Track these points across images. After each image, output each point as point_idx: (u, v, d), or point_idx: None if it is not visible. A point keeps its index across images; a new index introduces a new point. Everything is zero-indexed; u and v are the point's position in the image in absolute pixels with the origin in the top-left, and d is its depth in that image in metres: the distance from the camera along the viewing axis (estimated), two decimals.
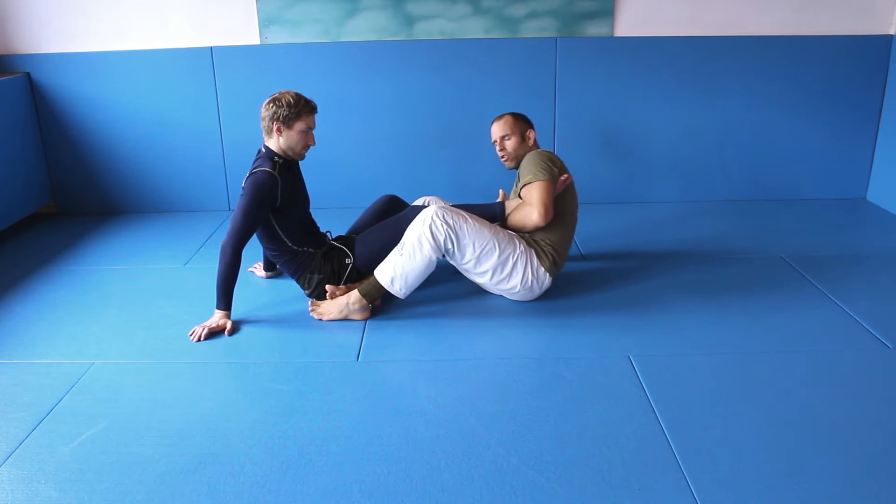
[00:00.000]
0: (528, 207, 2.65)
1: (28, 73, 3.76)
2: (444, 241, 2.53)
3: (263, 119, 2.65)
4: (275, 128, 2.62)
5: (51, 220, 3.92)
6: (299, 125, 2.63)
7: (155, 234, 3.65)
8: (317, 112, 2.70)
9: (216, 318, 2.59)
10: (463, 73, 3.78)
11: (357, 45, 3.74)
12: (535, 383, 2.22)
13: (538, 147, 2.86)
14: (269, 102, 2.63)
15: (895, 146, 3.77)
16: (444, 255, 2.60)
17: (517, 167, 2.86)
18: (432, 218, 2.53)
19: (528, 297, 2.75)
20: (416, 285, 2.60)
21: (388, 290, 2.57)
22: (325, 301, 2.66)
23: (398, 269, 2.55)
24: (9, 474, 1.84)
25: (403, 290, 2.58)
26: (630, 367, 2.30)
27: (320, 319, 2.63)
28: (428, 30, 3.74)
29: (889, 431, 1.95)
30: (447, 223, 2.53)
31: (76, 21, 3.72)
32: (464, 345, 2.51)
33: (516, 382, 2.23)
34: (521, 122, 2.84)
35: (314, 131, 2.71)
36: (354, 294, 2.60)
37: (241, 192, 2.63)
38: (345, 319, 2.65)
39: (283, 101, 2.61)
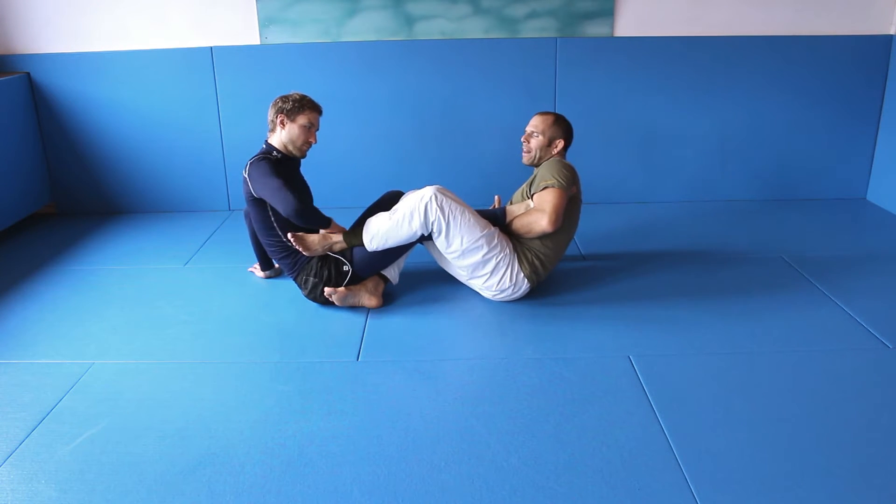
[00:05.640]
0: (539, 213, 2.65)
1: (28, 73, 3.76)
2: (434, 223, 2.58)
3: (269, 115, 2.74)
4: (279, 121, 2.71)
5: (51, 220, 3.92)
6: (302, 119, 2.70)
7: (155, 234, 3.65)
8: (321, 114, 2.78)
9: (329, 238, 2.68)
10: (463, 73, 3.78)
11: (357, 45, 3.74)
12: (535, 383, 2.22)
13: (563, 158, 2.84)
14: (276, 99, 2.74)
15: (895, 146, 3.77)
16: (428, 235, 2.64)
17: (531, 164, 2.86)
18: (430, 198, 2.57)
19: (502, 298, 2.76)
20: (392, 248, 2.68)
21: (365, 243, 2.66)
22: (309, 237, 2.68)
23: (381, 231, 2.63)
24: (9, 474, 1.84)
25: (377, 249, 2.67)
26: (630, 367, 2.30)
27: (304, 253, 2.67)
28: (428, 30, 3.73)
29: (889, 432, 1.95)
30: (442, 209, 2.57)
31: (76, 21, 3.72)
32: (464, 345, 2.51)
33: (516, 382, 2.23)
34: (556, 128, 2.80)
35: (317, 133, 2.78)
36: (338, 237, 2.68)
37: (243, 182, 2.70)
38: (353, 307, 2.73)
39: (290, 97, 2.73)
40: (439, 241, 2.65)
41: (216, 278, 3.07)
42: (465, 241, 2.61)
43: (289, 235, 2.65)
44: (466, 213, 2.61)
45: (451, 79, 3.79)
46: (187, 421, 2.05)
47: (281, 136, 2.73)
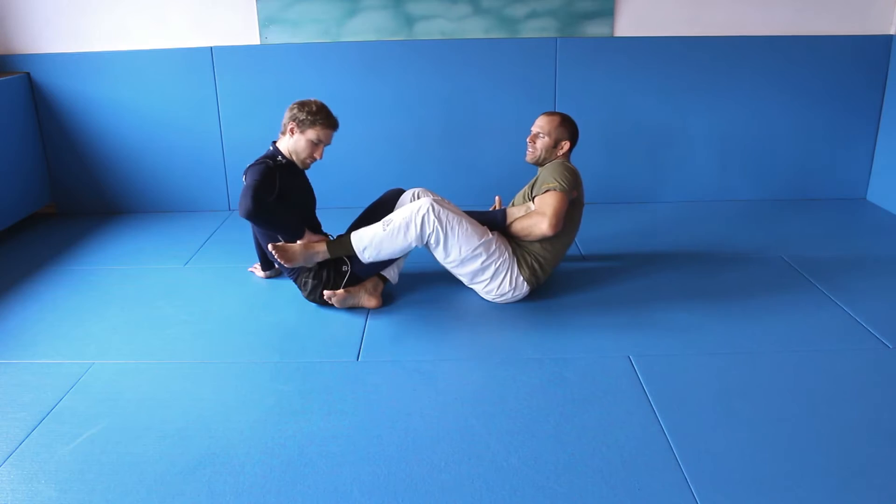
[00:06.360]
0: (539, 216, 2.64)
1: (28, 73, 3.76)
2: (430, 235, 2.56)
3: (284, 118, 2.69)
4: (289, 127, 2.66)
5: (51, 220, 3.92)
6: (311, 133, 2.65)
7: (155, 234, 3.65)
8: (336, 129, 2.72)
9: (312, 247, 2.61)
10: (463, 73, 3.78)
11: (357, 45, 3.74)
12: (535, 383, 2.22)
13: (567, 160, 2.83)
14: (295, 103, 2.67)
15: (895, 146, 3.77)
16: (423, 246, 2.62)
17: (535, 164, 2.85)
18: (427, 210, 2.54)
19: (502, 301, 2.75)
20: (384, 260, 2.64)
21: (357, 254, 2.60)
22: (290, 247, 2.60)
23: (375, 241, 2.58)
24: (9, 474, 1.84)
25: (369, 260, 2.62)
26: (630, 367, 2.30)
27: (287, 266, 2.61)
28: (428, 30, 3.73)
29: (889, 431, 1.95)
30: (439, 220, 2.54)
31: (76, 21, 3.72)
32: (464, 345, 2.51)
33: (516, 382, 2.23)
34: (563, 130, 2.79)
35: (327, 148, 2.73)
36: (321, 247, 2.61)
37: (242, 182, 2.66)
38: (352, 307, 2.71)
39: (307, 106, 2.64)
40: (437, 252, 2.63)
41: (216, 278, 3.07)
42: (463, 250, 2.59)
43: (269, 247, 2.58)
44: (463, 222, 2.59)
45: (452, 79, 3.79)
46: (187, 421, 2.05)
47: (288, 144, 2.69)
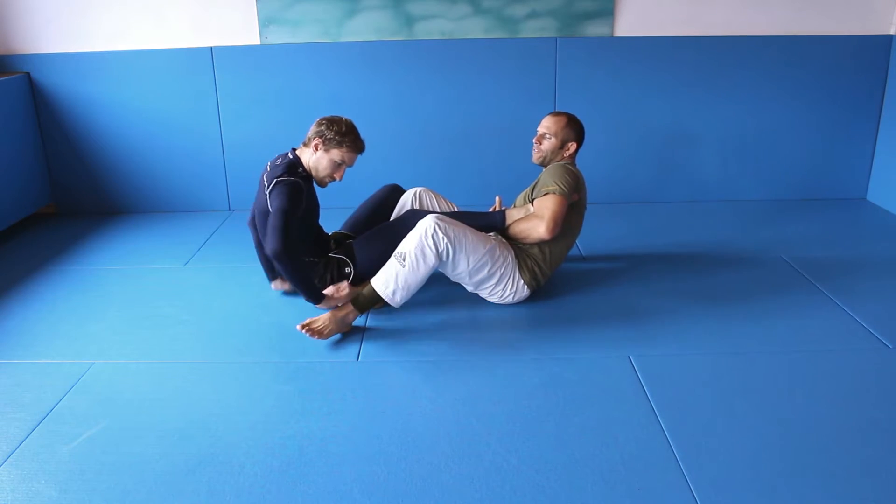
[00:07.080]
0: (537, 220, 2.63)
1: (28, 73, 3.76)
2: (443, 252, 2.51)
3: (310, 131, 2.61)
4: (314, 143, 2.58)
5: (51, 220, 3.92)
6: (336, 154, 2.57)
7: (155, 234, 3.65)
8: (361, 153, 2.64)
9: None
10: (463, 73, 3.78)
11: (357, 45, 3.74)
12: (535, 383, 2.22)
13: (573, 162, 2.82)
14: (325, 118, 2.59)
15: (895, 146, 3.77)
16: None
17: (541, 165, 2.83)
18: (434, 227, 2.49)
19: (502, 303, 2.75)
20: (414, 294, 2.57)
21: (388, 301, 2.52)
22: (318, 321, 2.49)
23: (400, 280, 2.49)
24: (9, 474, 1.84)
25: (403, 301, 2.54)
26: (630, 367, 2.30)
27: (320, 338, 2.47)
28: (428, 30, 3.74)
29: (888, 432, 1.95)
30: (448, 235, 2.50)
31: (76, 21, 3.72)
32: (464, 345, 2.51)
33: (516, 382, 2.23)
34: (569, 131, 2.76)
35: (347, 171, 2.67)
36: (349, 308, 2.52)
37: (261, 188, 2.61)
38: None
39: (336, 125, 2.56)
40: (446, 267, 2.59)
41: (216, 278, 3.07)
42: (471, 261, 2.56)
43: (298, 328, 2.44)
44: (468, 233, 2.57)
45: (452, 79, 3.79)
46: (187, 421, 2.05)
47: (310, 158, 2.61)
